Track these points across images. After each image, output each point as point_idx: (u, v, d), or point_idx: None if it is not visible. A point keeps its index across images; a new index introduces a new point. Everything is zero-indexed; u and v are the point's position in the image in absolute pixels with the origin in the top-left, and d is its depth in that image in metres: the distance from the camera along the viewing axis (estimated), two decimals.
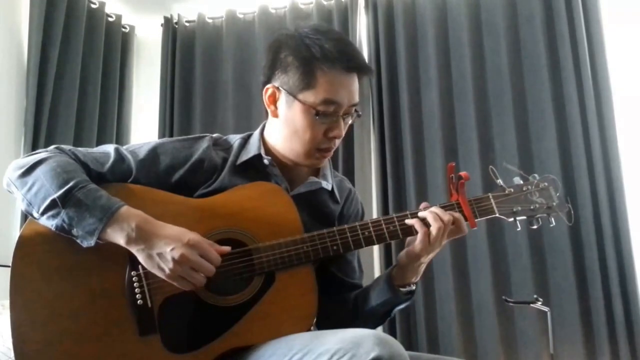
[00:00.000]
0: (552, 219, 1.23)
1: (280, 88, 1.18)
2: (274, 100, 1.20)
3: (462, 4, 2.88)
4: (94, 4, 3.10)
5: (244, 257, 1.11)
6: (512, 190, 1.22)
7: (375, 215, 2.76)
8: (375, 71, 2.91)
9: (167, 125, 3.13)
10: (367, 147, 2.97)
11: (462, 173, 1.18)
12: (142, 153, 1.18)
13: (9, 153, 2.61)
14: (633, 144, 2.61)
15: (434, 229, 1.12)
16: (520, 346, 2.57)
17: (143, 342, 1.04)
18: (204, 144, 1.22)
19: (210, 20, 3.26)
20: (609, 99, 2.63)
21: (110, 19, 3.22)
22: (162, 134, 3.12)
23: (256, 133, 1.27)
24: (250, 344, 1.06)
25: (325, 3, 3.12)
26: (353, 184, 1.43)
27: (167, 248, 1.01)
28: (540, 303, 2.16)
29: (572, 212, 1.25)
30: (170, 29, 3.23)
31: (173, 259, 1.01)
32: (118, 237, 1.03)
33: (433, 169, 2.79)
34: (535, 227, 1.23)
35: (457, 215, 1.16)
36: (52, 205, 1.03)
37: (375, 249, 2.76)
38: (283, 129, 1.20)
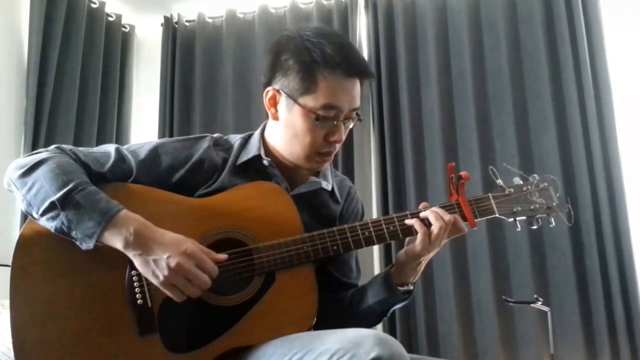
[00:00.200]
0: (552, 219, 1.23)
1: (280, 91, 1.17)
2: (274, 102, 1.20)
3: (462, 4, 2.88)
4: (94, 3, 3.11)
5: (244, 257, 1.11)
6: (512, 190, 1.22)
7: (375, 215, 2.76)
8: (375, 71, 2.91)
9: (167, 125, 3.13)
10: (367, 147, 2.97)
11: (462, 173, 1.18)
12: (142, 153, 1.18)
13: (9, 153, 2.61)
14: (633, 144, 2.61)
15: (435, 228, 1.12)
16: (520, 346, 2.58)
17: (143, 342, 1.04)
18: (205, 144, 1.22)
19: (210, 20, 3.26)
20: (609, 98, 2.63)
21: (110, 19, 3.22)
22: (162, 134, 3.12)
23: (256, 133, 1.27)
24: (250, 343, 1.06)
25: (325, 3, 3.12)
26: (353, 184, 1.43)
27: (163, 255, 1.01)
28: (540, 303, 2.16)
29: (572, 212, 1.25)
30: (170, 28, 3.23)
31: (168, 267, 1.00)
32: (116, 241, 1.03)
33: (433, 169, 2.79)
34: (535, 227, 1.23)
35: (456, 215, 1.16)
36: (52, 207, 1.03)
37: (375, 249, 2.76)
38: (283, 131, 1.19)
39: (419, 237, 1.13)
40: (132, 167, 1.16)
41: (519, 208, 1.21)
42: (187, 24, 3.27)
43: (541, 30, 2.77)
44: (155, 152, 1.18)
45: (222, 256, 1.07)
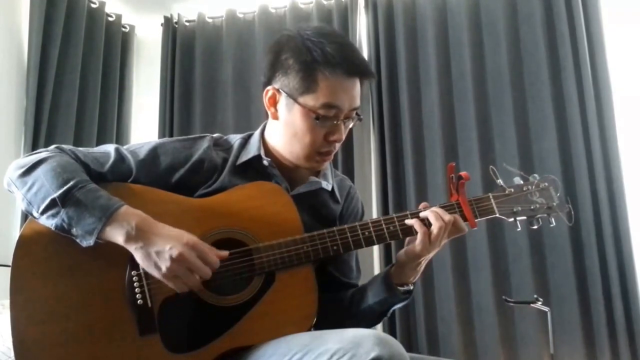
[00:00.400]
0: (552, 219, 1.23)
1: (280, 90, 1.17)
2: (274, 102, 1.20)
3: (462, 4, 2.88)
4: (94, 3, 3.10)
5: (244, 257, 1.11)
6: (512, 190, 1.22)
7: (375, 215, 2.76)
8: (375, 71, 2.90)
9: (167, 125, 3.13)
10: (367, 147, 2.97)
11: (462, 173, 1.18)
12: (142, 153, 1.18)
13: (9, 153, 2.61)
14: (633, 144, 2.61)
15: (435, 228, 1.12)
16: (520, 346, 2.58)
17: (143, 342, 1.04)
18: (205, 144, 1.22)
19: (210, 20, 3.26)
20: (609, 98, 2.63)
21: (110, 19, 3.22)
22: (162, 134, 3.12)
23: (256, 133, 1.27)
24: (250, 344, 1.06)
25: (325, 3, 3.12)
26: (353, 184, 1.43)
27: (165, 246, 1.01)
28: (540, 303, 2.16)
29: (572, 212, 1.25)
30: (170, 28, 3.23)
31: (171, 257, 1.00)
32: (117, 235, 1.03)
33: (433, 169, 2.79)
34: (535, 227, 1.23)
35: (455, 215, 1.16)
36: (52, 204, 1.03)
37: (375, 249, 2.76)
38: (283, 131, 1.19)
39: (419, 237, 1.13)
40: (131, 167, 1.16)
41: (519, 208, 1.21)
42: (187, 24, 3.27)
43: (541, 30, 2.77)
44: (154, 152, 1.18)
45: (224, 253, 1.07)
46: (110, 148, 1.19)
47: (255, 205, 1.15)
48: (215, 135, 1.28)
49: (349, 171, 2.84)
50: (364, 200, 1.45)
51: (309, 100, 1.13)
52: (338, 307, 1.27)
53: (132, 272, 1.06)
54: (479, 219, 1.19)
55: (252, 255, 1.10)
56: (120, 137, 3.20)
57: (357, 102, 1.17)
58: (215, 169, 1.20)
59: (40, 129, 2.67)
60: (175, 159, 1.19)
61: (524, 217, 1.22)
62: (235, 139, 1.27)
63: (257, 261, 1.10)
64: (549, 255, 2.62)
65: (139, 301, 1.05)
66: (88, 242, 1.03)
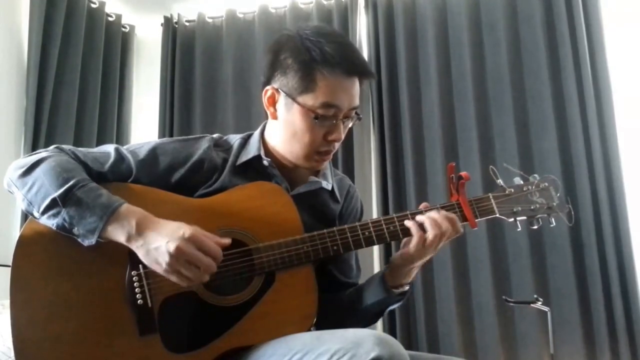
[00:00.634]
0: (553, 219, 1.23)
1: (279, 90, 1.17)
2: (273, 102, 1.20)
3: (462, 4, 2.88)
4: (94, 3, 3.10)
5: (244, 257, 1.11)
6: (512, 190, 1.22)
7: (375, 216, 2.76)
8: (375, 71, 2.90)
9: (167, 125, 3.13)
10: (367, 147, 2.97)
11: (463, 173, 1.18)
12: (142, 153, 1.18)
13: (9, 153, 2.61)
14: (633, 144, 2.61)
15: (430, 235, 1.11)
16: (520, 346, 2.58)
17: (143, 342, 1.04)
18: (204, 144, 1.22)
19: (210, 20, 3.26)
20: (609, 98, 2.63)
21: (110, 19, 3.22)
22: (162, 134, 3.12)
23: (256, 133, 1.27)
24: (250, 344, 1.06)
25: (325, 3, 3.12)
26: (353, 183, 1.43)
27: (163, 242, 1.00)
28: (540, 303, 2.16)
29: (572, 212, 1.25)
30: (170, 28, 3.23)
31: (168, 252, 0.99)
32: (119, 234, 1.03)
33: (433, 169, 2.79)
34: (535, 227, 1.23)
35: (452, 216, 1.15)
36: (53, 204, 1.03)
37: (375, 249, 2.76)
38: (282, 131, 1.19)
39: (414, 241, 1.12)
40: (131, 167, 1.16)
41: (520, 208, 1.21)
42: (187, 24, 3.27)
43: (541, 30, 2.77)
44: (154, 152, 1.18)
45: (226, 240, 1.06)
46: (110, 148, 1.19)
47: (255, 205, 1.15)
48: (215, 135, 1.28)
49: (349, 171, 2.84)
50: (364, 200, 1.45)
51: (308, 99, 1.13)
52: (338, 306, 1.27)
53: (132, 272, 1.06)
54: (479, 219, 1.19)
55: (252, 255, 1.10)
56: (120, 137, 3.20)
57: (357, 102, 1.17)
58: (215, 169, 1.20)
59: (40, 129, 2.67)
60: (175, 159, 1.18)
61: (524, 217, 1.22)
62: (235, 139, 1.27)
63: (257, 261, 1.10)
64: (549, 255, 2.62)
65: (139, 301, 1.05)
66: (90, 241, 1.03)
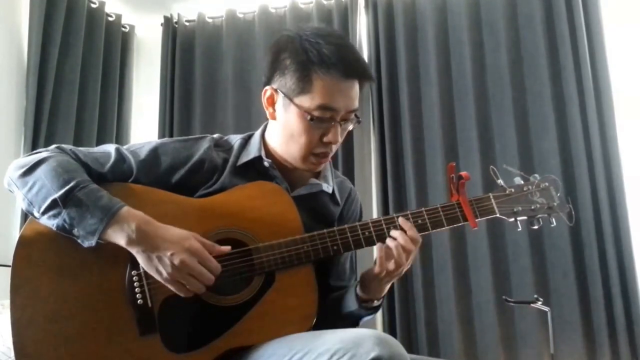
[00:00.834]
0: (553, 219, 1.23)
1: (278, 90, 1.17)
2: (272, 102, 1.20)
3: (462, 4, 2.88)
4: (94, 3, 3.10)
5: (244, 257, 1.11)
6: (512, 190, 1.22)
7: (375, 216, 2.76)
8: (375, 71, 2.90)
9: (167, 125, 3.13)
10: (367, 147, 2.97)
11: (463, 173, 1.18)
12: (142, 153, 1.18)
13: (9, 153, 2.61)
14: (633, 144, 2.61)
15: (391, 265, 1.12)
16: (520, 346, 2.57)
17: (143, 342, 1.04)
18: (205, 145, 1.22)
19: (210, 20, 3.26)
20: (609, 98, 2.63)
21: (110, 19, 3.22)
22: (162, 134, 3.12)
23: (257, 134, 1.27)
24: (250, 344, 1.06)
25: (325, 3, 3.12)
26: (353, 184, 1.42)
27: (167, 252, 1.01)
28: (540, 303, 2.16)
29: (573, 212, 1.25)
30: (170, 28, 3.23)
31: (172, 264, 1.01)
32: (119, 237, 1.03)
33: (433, 169, 2.79)
34: (535, 227, 1.23)
35: (416, 236, 1.13)
36: (53, 205, 1.03)
37: (375, 249, 2.75)
38: (281, 131, 1.19)
39: (378, 261, 1.13)
40: (132, 167, 1.16)
41: (520, 208, 1.21)
42: (187, 24, 3.27)
43: (541, 30, 2.77)
44: (155, 153, 1.18)
45: (226, 248, 1.07)
46: (110, 148, 1.19)
47: (255, 205, 1.15)
48: (215, 135, 1.28)
49: (349, 171, 2.84)
50: (364, 201, 1.46)
51: (305, 101, 1.13)
52: (336, 307, 1.27)
53: (132, 272, 1.06)
54: (479, 219, 1.19)
55: (252, 255, 1.10)
56: (120, 137, 3.20)
57: (355, 104, 1.16)
58: (215, 170, 1.20)
59: (40, 129, 2.67)
60: (176, 159, 1.18)
61: (525, 217, 1.22)
62: (236, 139, 1.27)
63: (257, 261, 1.10)
64: (549, 255, 2.62)
65: (139, 301, 1.05)
66: (90, 242, 1.03)
